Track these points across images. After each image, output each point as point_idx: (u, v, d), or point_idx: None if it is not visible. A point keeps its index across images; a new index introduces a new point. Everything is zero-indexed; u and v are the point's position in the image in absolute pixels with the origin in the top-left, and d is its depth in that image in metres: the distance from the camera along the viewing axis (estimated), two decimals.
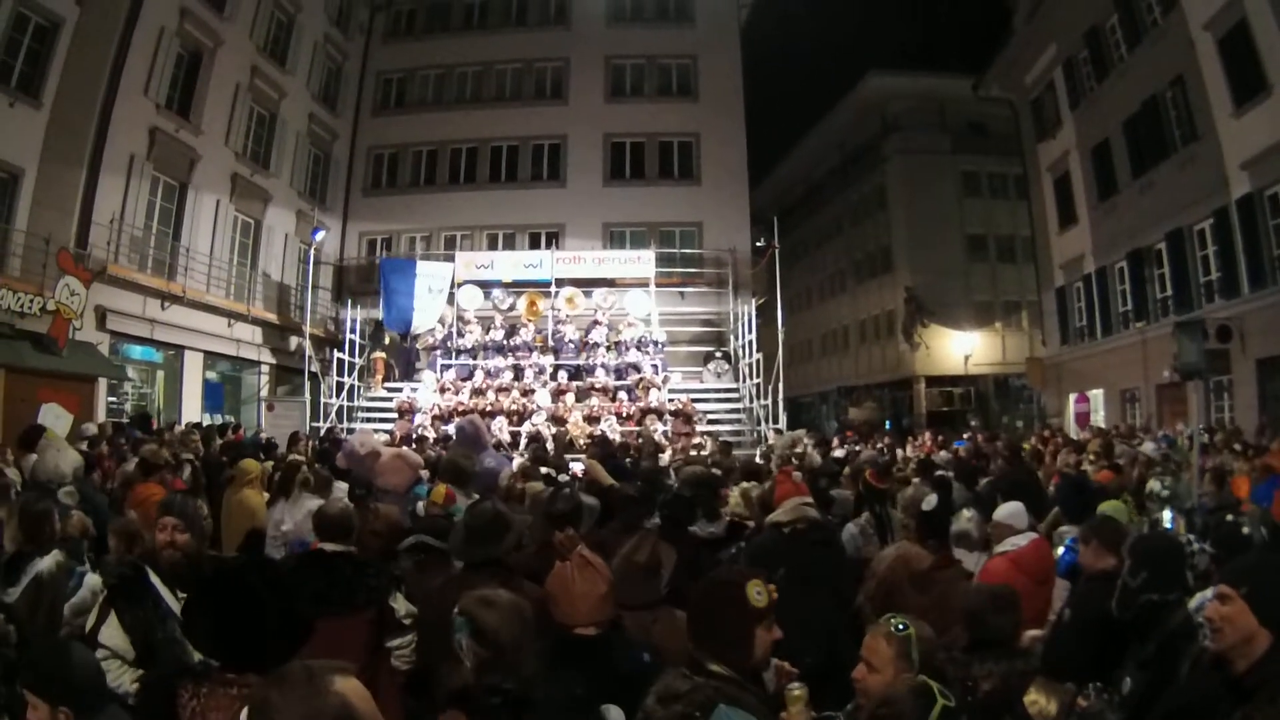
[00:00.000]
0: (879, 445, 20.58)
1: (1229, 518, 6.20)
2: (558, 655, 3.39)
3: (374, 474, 9.16)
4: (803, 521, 6.03)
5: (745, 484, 8.50)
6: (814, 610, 5.34)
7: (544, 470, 10.43)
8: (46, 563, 5.25)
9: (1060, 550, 6.67)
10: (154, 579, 4.43)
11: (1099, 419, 27.44)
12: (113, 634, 4.20)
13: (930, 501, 6.42)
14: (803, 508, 6.22)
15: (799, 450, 16.46)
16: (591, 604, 3.55)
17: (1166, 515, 7.88)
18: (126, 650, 4.19)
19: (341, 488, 9.50)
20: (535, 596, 3.88)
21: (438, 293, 26.17)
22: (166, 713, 2.64)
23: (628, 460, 12.92)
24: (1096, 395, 29.02)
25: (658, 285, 27.50)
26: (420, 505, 7.29)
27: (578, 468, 11.79)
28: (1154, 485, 9.35)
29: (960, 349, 41.79)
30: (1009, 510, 6.35)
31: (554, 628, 3.58)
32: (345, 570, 4.78)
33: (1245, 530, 5.01)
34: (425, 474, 9.42)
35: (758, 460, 14.79)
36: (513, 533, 5.04)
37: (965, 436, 23.63)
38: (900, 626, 3.44)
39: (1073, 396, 30.32)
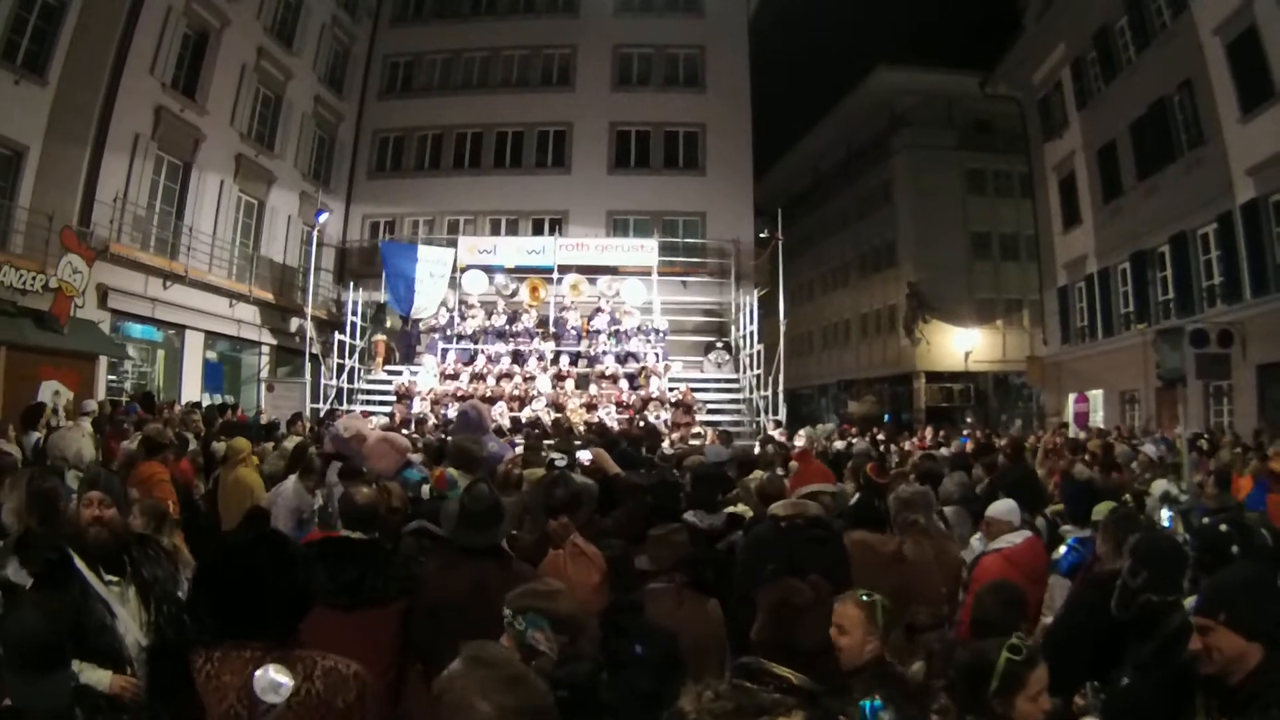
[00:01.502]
0: (874, 438, 20.60)
1: (1205, 520, 6.20)
2: None
3: (360, 458, 9.13)
4: (801, 516, 5.92)
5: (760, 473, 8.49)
6: None
7: (548, 456, 10.41)
8: None
9: (1063, 550, 6.66)
10: (78, 563, 4.31)
11: (1098, 419, 27.41)
12: None
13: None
14: (804, 503, 6.16)
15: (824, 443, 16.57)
16: (584, 593, 3.55)
17: (1164, 514, 7.86)
18: None
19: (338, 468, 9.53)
20: (529, 579, 3.86)
21: (439, 278, 26.22)
22: (179, 677, 2.69)
23: (626, 446, 12.89)
24: (1096, 395, 28.99)
25: (660, 274, 27.56)
26: (425, 489, 7.31)
27: (584, 456, 11.78)
28: (1169, 488, 9.36)
29: (961, 345, 41.74)
30: (1003, 507, 6.35)
31: None
32: (377, 560, 4.65)
33: (1223, 529, 4.97)
34: (417, 458, 9.41)
35: (755, 452, 14.80)
36: (507, 518, 5.03)
37: (965, 433, 23.63)
38: (865, 595, 3.69)
39: (1072, 396, 30.25)
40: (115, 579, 4.39)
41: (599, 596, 3.59)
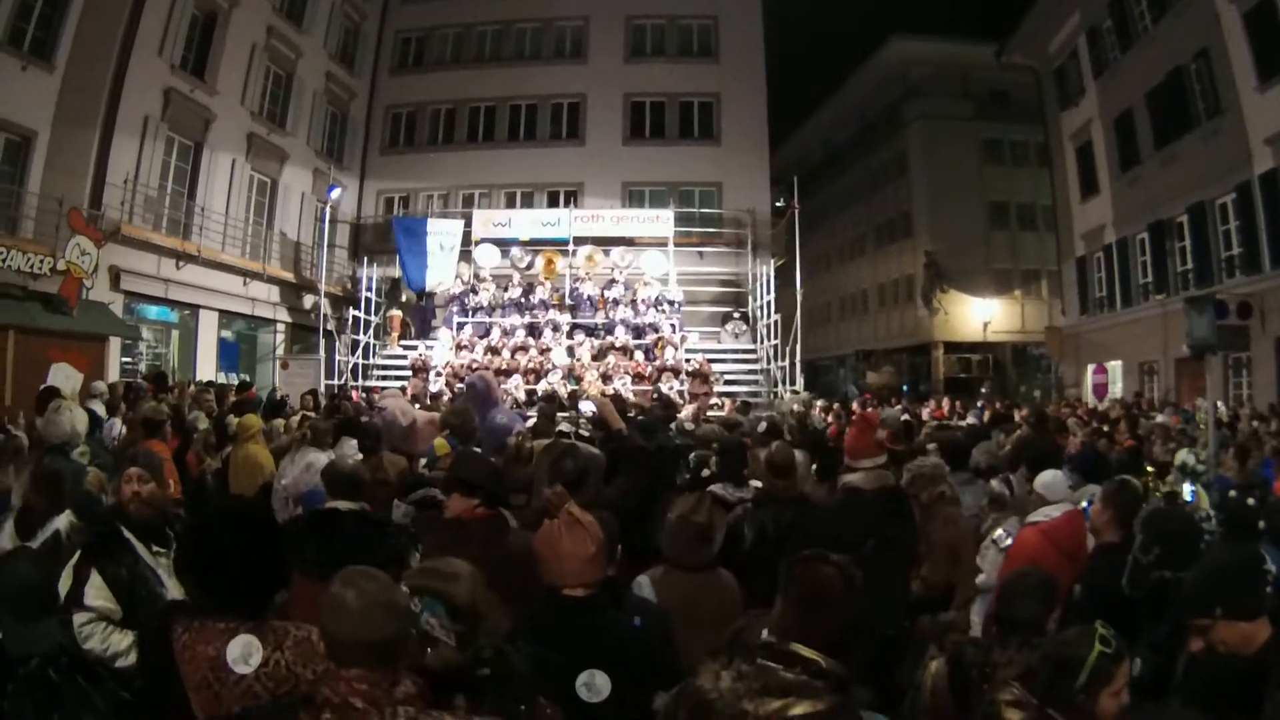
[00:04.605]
0: (899, 405, 20.50)
1: (1231, 493, 6.09)
2: (544, 616, 3.34)
3: (413, 441, 9.05)
4: (884, 488, 5.89)
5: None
6: (893, 581, 5.40)
7: (560, 429, 10.31)
8: (62, 520, 5.23)
9: (1084, 504, 6.53)
10: (128, 534, 4.40)
11: (1116, 390, 27.27)
12: (99, 594, 4.14)
13: None
14: (884, 473, 6.05)
15: (800, 411, 15.95)
16: (579, 564, 3.44)
17: (1187, 488, 7.74)
18: (114, 611, 4.15)
19: (351, 443, 9.47)
20: (528, 548, 3.79)
21: (449, 250, 26.10)
22: (161, 644, 2.81)
23: (639, 418, 12.75)
24: (1115, 367, 28.82)
25: (676, 245, 27.38)
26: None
27: (587, 407, 11.66)
28: (1187, 458, 9.23)
29: (979, 316, 41.58)
30: (1045, 479, 6.18)
31: (544, 587, 3.49)
32: (364, 529, 4.66)
33: (1250, 502, 4.88)
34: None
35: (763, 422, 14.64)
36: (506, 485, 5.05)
37: (979, 404, 23.52)
38: None
39: (1091, 367, 30.12)
40: (161, 550, 4.51)
41: (594, 568, 3.47)
